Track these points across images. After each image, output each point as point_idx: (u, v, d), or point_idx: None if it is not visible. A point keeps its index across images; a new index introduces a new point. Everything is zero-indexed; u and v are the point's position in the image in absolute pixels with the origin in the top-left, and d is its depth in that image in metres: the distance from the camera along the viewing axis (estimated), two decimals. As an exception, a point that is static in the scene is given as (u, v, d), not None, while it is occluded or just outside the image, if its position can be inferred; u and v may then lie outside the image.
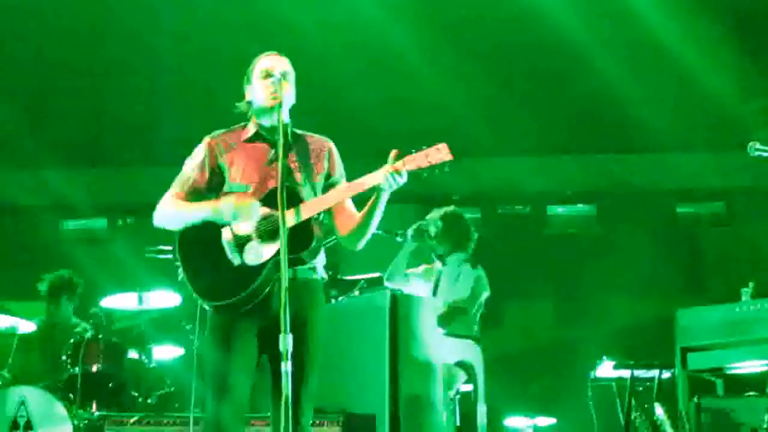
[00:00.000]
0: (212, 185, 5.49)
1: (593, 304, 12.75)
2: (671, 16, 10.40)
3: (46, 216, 13.44)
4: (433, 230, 8.64)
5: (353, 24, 10.67)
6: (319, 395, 5.38)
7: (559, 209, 13.49)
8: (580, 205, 13.47)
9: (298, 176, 5.40)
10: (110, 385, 8.67)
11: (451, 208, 8.90)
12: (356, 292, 8.32)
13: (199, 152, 5.54)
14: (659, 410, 8.29)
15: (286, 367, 4.59)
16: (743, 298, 8.12)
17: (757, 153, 6.25)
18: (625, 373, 8.88)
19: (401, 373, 7.44)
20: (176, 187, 5.54)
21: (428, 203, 9.63)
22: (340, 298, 8.24)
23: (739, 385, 8.34)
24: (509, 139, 12.33)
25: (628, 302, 12.66)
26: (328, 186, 5.49)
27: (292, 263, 4.92)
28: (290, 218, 5.05)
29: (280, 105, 5.23)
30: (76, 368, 8.46)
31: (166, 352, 9.60)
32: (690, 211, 13.35)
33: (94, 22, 10.84)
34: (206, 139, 5.56)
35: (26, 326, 8.87)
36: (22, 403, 7.78)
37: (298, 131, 5.55)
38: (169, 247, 5.52)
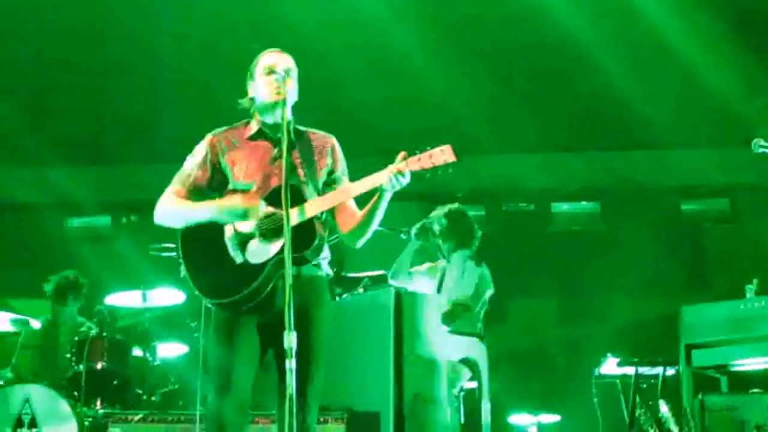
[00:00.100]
0: (214, 183, 5.49)
1: (597, 301, 12.74)
2: (674, 13, 10.38)
3: (50, 214, 13.45)
4: (437, 228, 8.64)
5: (355, 22, 10.65)
6: (324, 393, 5.38)
7: (564, 206, 13.49)
8: (584, 203, 13.47)
9: (301, 173, 5.39)
10: (114, 382, 8.69)
11: (456, 205, 8.89)
12: (360, 290, 8.32)
13: (201, 149, 5.53)
14: (664, 407, 8.28)
15: (291, 364, 4.59)
16: (747, 295, 8.12)
17: (761, 150, 6.24)
18: (630, 371, 8.89)
19: (406, 370, 7.44)
20: (177, 184, 5.54)
21: (432, 201, 9.62)
22: (344, 296, 8.24)
23: (743, 382, 8.34)
24: (513, 137, 12.33)
25: (632, 299, 12.65)
26: (331, 182, 5.50)
27: (295, 262, 4.91)
28: (294, 216, 5.05)
29: (284, 102, 5.23)
30: (81, 366, 8.48)
31: (170, 350, 9.62)
32: (694, 208, 13.34)
33: (96, 20, 10.83)
34: (208, 137, 5.56)
35: (32, 324, 8.88)
36: (27, 400, 7.79)
37: (301, 128, 5.55)
38: (173, 245, 5.51)
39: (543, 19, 10.51)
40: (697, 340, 8.18)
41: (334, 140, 5.62)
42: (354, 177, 5.42)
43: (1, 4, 10.53)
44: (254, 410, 5.86)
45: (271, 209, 5.21)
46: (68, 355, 8.65)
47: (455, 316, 8.32)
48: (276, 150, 5.39)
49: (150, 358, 9.06)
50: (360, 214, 5.41)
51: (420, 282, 8.67)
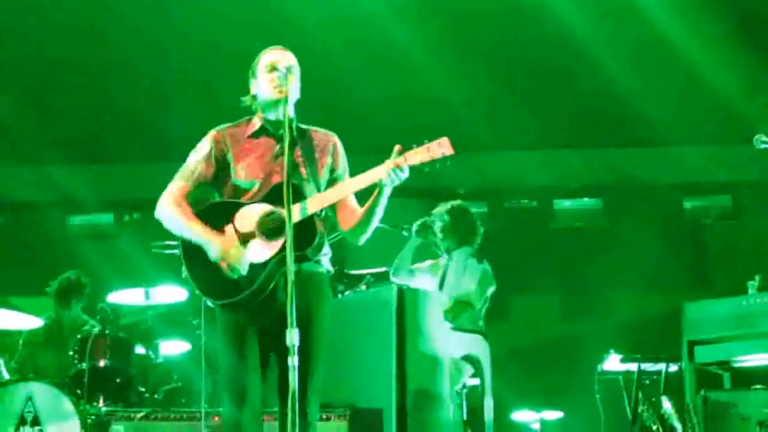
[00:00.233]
0: (217, 179, 5.49)
1: (600, 297, 12.74)
2: (675, 11, 10.40)
3: (52, 212, 13.46)
4: (439, 224, 8.64)
5: (356, 20, 10.67)
6: (326, 390, 5.39)
7: (566, 203, 13.50)
8: (586, 200, 13.47)
9: (303, 171, 5.40)
10: (117, 380, 8.67)
11: (458, 202, 8.89)
12: (363, 287, 8.32)
13: (205, 145, 5.53)
14: (666, 404, 8.30)
15: (293, 361, 4.59)
16: (750, 292, 8.13)
17: (763, 146, 6.25)
18: (632, 367, 8.89)
19: (408, 367, 7.44)
20: (180, 180, 5.53)
21: (434, 198, 9.63)
22: (346, 293, 8.24)
23: (746, 378, 8.34)
24: (515, 134, 12.32)
25: (634, 296, 12.66)
26: (332, 180, 5.50)
27: (296, 260, 4.91)
28: (295, 214, 5.05)
29: (286, 99, 5.23)
30: (83, 364, 8.46)
31: (172, 348, 9.61)
32: (696, 205, 13.35)
33: (98, 19, 10.85)
34: (212, 132, 5.56)
35: (33, 322, 8.88)
36: (30, 398, 7.78)
37: (303, 126, 5.55)
38: (175, 243, 5.51)
39: (544, 17, 10.53)
40: (700, 337, 8.19)
41: (336, 138, 5.62)
42: (354, 175, 5.42)
43: (3, 3, 10.55)
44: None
45: (271, 207, 5.21)
46: (71, 353, 8.64)
47: (457, 313, 8.33)
48: (278, 147, 5.39)
49: (153, 356, 9.05)
50: (361, 210, 5.41)
51: (422, 279, 8.67)
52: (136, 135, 12.38)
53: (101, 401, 8.40)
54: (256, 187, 5.36)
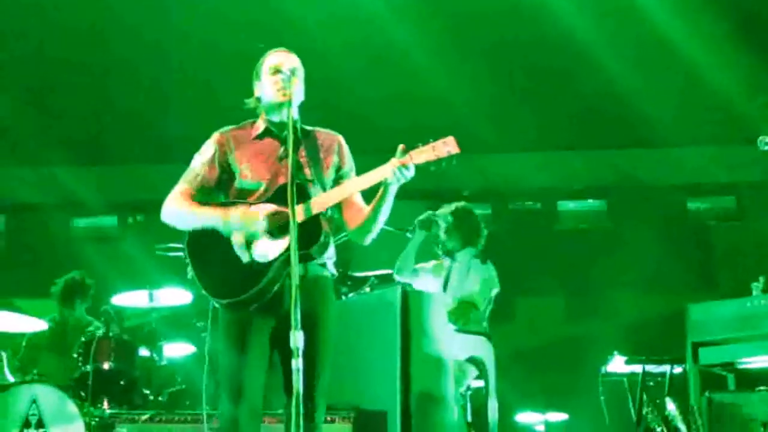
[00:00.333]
0: (221, 182, 5.49)
1: (604, 299, 12.74)
2: (676, 12, 10.40)
3: (56, 214, 13.48)
4: (443, 226, 8.63)
5: (357, 21, 10.67)
6: (331, 392, 5.38)
7: (570, 205, 13.51)
8: (590, 201, 13.48)
9: (308, 172, 5.40)
10: (121, 382, 8.68)
11: (462, 203, 8.87)
12: (367, 289, 8.32)
13: (209, 148, 5.53)
14: (671, 405, 8.29)
15: (298, 364, 4.59)
16: (754, 293, 8.12)
17: (766, 147, 6.24)
18: (637, 369, 8.89)
19: (412, 369, 7.43)
20: (184, 183, 5.53)
21: (439, 200, 9.61)
22: (350, 295, 8.24)
23: (750, 379, 8.33)
24: (519, 136, 12.34)
25: (638, 297, 12.65)
26: (338, 180, 5.50)
27: (302, 259, 4.91)
28: (300, 213, 5.05)
29: (290, 102, 5.23)
30: (88, 366, 8.47)
31: (177, 350, 9.61)
32: (700, 206, 13.36)
33: (99, 20, 10.86)
34: (216, 135, 5.56)
35: (38, 325, 8.88)
36: (34, 401, 7.78)
37: (308, 127, 5.55)
38: (180, 245, 5.51)
39: (546, 18, 10.53)
40: (704, 338, 8.19)
41: (340, 138, 5.62)
42: (358, 175, 5.42)
43: (5, 4, 10.56)
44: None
45: (276, 207, 5.21)
46: (75, 356, 8.65)
47: (461, 315, 8.31)
48: (282, 149, 5.39)
49: (157, 358, 9.05)
50: (367, 209, 5.41)
51: (425, 280, 8.66)
52: (140, 136, 12.40)
53: (105, 403, 8.39)
54: (262, 188, 5.36)
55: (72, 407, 7.84)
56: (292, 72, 5.37)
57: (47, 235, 13.47)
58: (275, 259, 5.16)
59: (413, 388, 7.40)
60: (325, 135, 5.59)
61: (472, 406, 8.68)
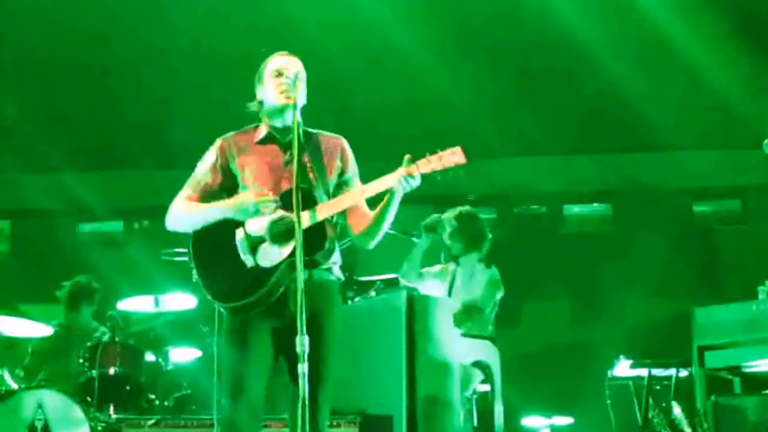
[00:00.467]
0: (225, 187, 5.49)
1: (610, 303, 12.72)
2: (679, 13, 10.40)
3: (62, 219, 13.48)
4: (447, 230, 8.64)
5: (360, 25, 10.67)
6: (336, 396, 5.39)
7: (575, 209, 13.50)
8: (595, 205, 13.48)
9: (312, 176, 5.39)
10: (127, 387, 8.69)
11: (466, 207, 8.88)
12: (373, 293, 8.32)
13: (211, 155, 5.54)
14: (677, 409, 8.28)
15: (303, 368, 4.60)
16: (760, 297, 8.12)
17: (771, 150, 6.24)
18: (642, 372, 8.89)
19: (418, 373, 7.44)
20: (188, 189, 5.54)
21: (444, 204, 9.60)
22: (356, 299, 8.24)
23: (756, 383, 8.33)
24: (524, 140, 12.34)
25: (644, 301, 12.62)
26: (341, 184, 5.50)
27: (306, 265, 4.91)
28: (305, 220, 5.05)
29: (294, 105, 5.24)
30: (94, 371, 8.48)
31: (182, 355, 9.61)
32: (705, 209, 13.34)
33: (107, 26, 10.87)
34: (218, 141, 5.56)
35: (44, 330, 8.89)
36: (40, 406, 7.79)
37: (311, 130, 5.55)
38: (185, 250, 5.52)
39: (549, 22, 10.54)
40: (710, 342, 8.18)
41: (344, 141, 5.62)
42: (363, 181, 5.43)
43: (15, 11, 10.58)
44: (266, 414, 5.86)
45: (281, 212, 5.21)
46: (81, 361, 8.66)
47: (464, 319, 8.31)
48: (287, 154, 5.38)
49: (163, 363, 9.06)
50: (371, 214, 5.41)
51: (431, 284, 8.66)
52: (146, 142, 12.41)
53: (111, 408, 8.41)
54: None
55: (78, 412, 7.86)
56: (296, 75, 5.39)
57: (53, 240, 13.48)
58: (278, 264, 5.16)
59: (419, 392, 7.40)
60: (328, 139, 5.58)
61: (478, 411, 8.69)
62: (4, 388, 8.26)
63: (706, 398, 8.02)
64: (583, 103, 11.98)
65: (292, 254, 4.96)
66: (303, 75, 5.50)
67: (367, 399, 7.50)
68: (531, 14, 10.63)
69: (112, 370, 8.59)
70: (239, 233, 5.29)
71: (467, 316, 8.35)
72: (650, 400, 8.68)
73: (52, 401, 7.85)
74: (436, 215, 8.68)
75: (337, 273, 5.51)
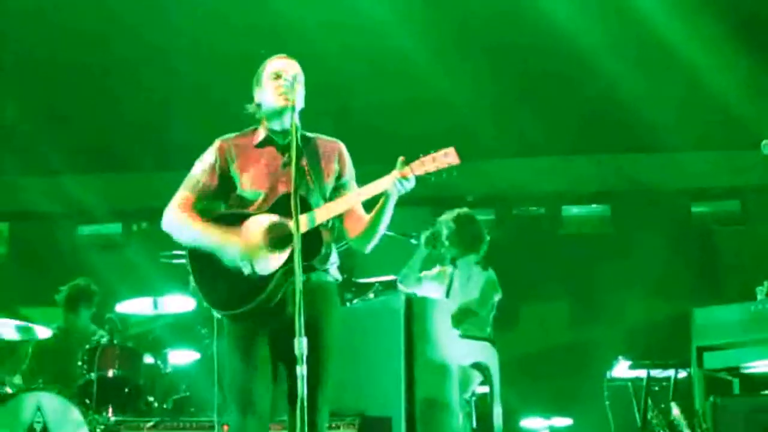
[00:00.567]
0: (222, 189, 5.49)
1: (608, 304, 12.71)
2: (679, 16, 10.41)
3: (61, 222, 13.47)
4: (445, 232, 8.65)
5: (362, 27, 10.68)
6: (335, 398, 5.39)
7: (574, 210, 13.49)
8: (594, 206, 13.47)
9: (309, 180, 5.39)
10: (126, 390, 8.69)
11: (464, 209, 8.88)
12: (371, 295, 8.32)
13: (210, 155, 5.53)
14: (675, 410, 8.28)
15: (302, 370, 4.60)
16: (759, 297, 8.12)
17: (770, 151, 6.24)
18: (641, 373, 8.89)
19: (417, 375, 7.44)
20: (185, 190, 5.52)
21: (443, 206, 9.62)
22: (355, 301, 8.24)
23: (755, 384, 8.33)
24: (522, 141, 12.34)
25: (643, 302, 12.62)
26: (339, 187, 5.50)
27: (304, 270, 4.90)
28: (303, 224, 5.04)
29: (293, 108, 5.24)
30: (92, 373, 8.49)
31: (181, 357, 9.62)
32: (704, 210, 13.33)
33: (107, 28, 10.87)
34: (217, 142, 5.55)
35: (43, 332, 8.89)
36: (39, 408, 7.80)
37: (308, 134, 5.55)
38: (183, 252, 5.52)
39: (548, 23, 10.54)
40: (709, 343, 8.18)
41: (341, 145, 5.61)
42: (361, 184, 5.43)
43: (14, 12, 10.59)
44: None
45: (278, 218, 5.21)
46: (80, 363, 8.66)
47: (459, 321, 8.32)
48: (284, 157, 5.38)
49: (161, 366, 9.07)
50: (367, 218, 5.41)
51: (429, 287, 8.67)
52: (144, 144, 12.40)
53: (110, 411, 8.42)
54: (262, 197, 5.36)
55: (77, 414, 7.86)
56: (294, 78, 5.38)
57: (52, 242, 13.47)
58: (276, 272, 5.16)
59: (418, 394, 7.41)
60: (326, 142, 5.58)
61: (477, 412, 8.70)
62: (2, 391, 8.26)
63: (705, 399, 8.01)
64: (582, 104, 11.98)
65: (290, 260, 4.96)
66: (301, 77, 5.50)
67: (366, 401, 7.50)
68: (531, 16, 10.63)
69: (110, 373, 8.60)
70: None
71: (461, 317, 8.35)
72: (649, 401, 8.68)
73: (51, 404, 7.85)
74: (434, 228, 8.69)
75: (335, 274, 5.51)
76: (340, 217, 5.47)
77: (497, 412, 8.26)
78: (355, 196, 5.36)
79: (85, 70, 11.44)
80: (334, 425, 7.18)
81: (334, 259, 5.49)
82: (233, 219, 5.35)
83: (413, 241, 8.62)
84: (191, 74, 11.36)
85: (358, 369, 7.25)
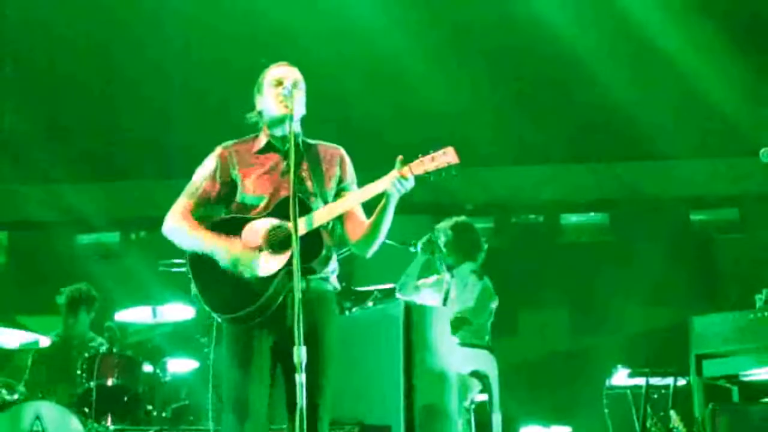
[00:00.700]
0: (222, 196, 5.50)
1: (607, 312, 12.72)
2: (677, 25, 10.44)
3: (60, 230, 13.47)
4: (442, 239, 8.64)
5: (361, 36, 10.70)
6: (335, 406, 5.38)
7: (573, 218, 13.50)
8: (593, 214, 13.48)
9: (310, 185, 5.40)
10: (125, 398, 8.68)
11: (462, 218, 8.88)
12: (370, 303, 8.32)
13: (211, 162, 5.54)
14: (675, 418, 8.28)
15: (301, 378, 4.60)
16: (757, 305, 8.12)
17: (768, 159, 6.24)
18: (640, 381, 8.89)
19: (416, 383, 7.43)
20: (186, 197, 5.53)
21: (441, 213, 9.61)
22: (354, 309, 8.24)
23: (754, 391, 8.32)
24: (521, 149, 12.35)
25: (642, 310, 12.63)
26: (340, 192, 5.51)
27: (304, 273, 4.92)
28: (301, 227, 5.05)
29: (291, 115, 5.25)
30: (91, 382, 8.48)
31: (180, 366, 9.60)
32: (703, 218, 13.34)
33: (106, 38, 10.90)
34: (218, 149, 5.56)
35: (42, 341, 8.88)
36: (38, 417, 7.78)
37: (310, 140, 5.56)
38: (182, 261, 5.52)
39: (546, 32, 10.57)
40: (708, 350, 8.17)
41: (342, 151, 5.63)
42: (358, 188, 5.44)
43: (14, 23, 10.61)
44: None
45: (277, 221, 5.22)
46: (79, 372, 8.65)
47: (456, 329, 8.31)
48: (285, 163, 5.39)
49: (160, 374, 9.05)
50: (368, 222, 5.42)
51: (426, 294, 8.66)
52: (143, 153, 12.42)
53: (109, 420, 8.41)
54: (264, 202, 5.37)
55: (76, 423, 7.85)
56: (294, 85, 5.40)
57: (51, 251, 13.47)
58: (276, 274, 5.17)
59: (417, 402, 7.39)
60: (327, 148, 5.60)
61: (476, 420, 8.68)
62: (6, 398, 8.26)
63: (704, 407, 8.01)
64: (581, 112, 12.01)
65: (290, 262, 4.96)
66: (302, 84, 5.51)
67: (365, 409, 7.49)
68: (529, 24, 10.67)
69: (109, 381, 8.58)
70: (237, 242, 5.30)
71: (456, 326, 8.34)
72: (648, 409, 8.68)
73: (50, 412, 7.84)
74: (432, 234, 8.68)
75: (334, 282, 5.52)
76: (341, 222, 5.48)
77: (496, 420, 8.25)
78: (353, 197, 5.36)
79: (84, 79, 11.48)
80: (333, 433, 7.18)
81: (334, 266, 5.49)
82: (234, 223, 5.36)
83: (412, 249, 8.61)
84: (190, 84, 11.39)
85: (357, 377, 7.24)
